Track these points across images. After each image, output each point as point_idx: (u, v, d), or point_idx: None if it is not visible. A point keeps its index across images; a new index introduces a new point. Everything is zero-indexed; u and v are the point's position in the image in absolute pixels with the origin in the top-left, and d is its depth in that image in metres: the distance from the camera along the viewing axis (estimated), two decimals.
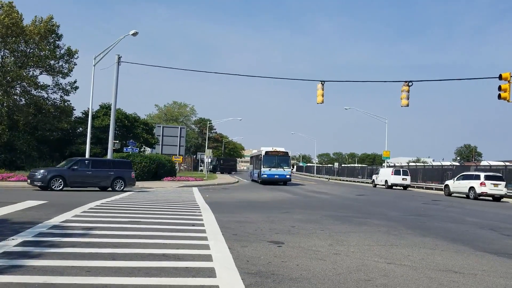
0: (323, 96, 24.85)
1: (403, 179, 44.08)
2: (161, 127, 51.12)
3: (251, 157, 53.12)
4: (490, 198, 31.38)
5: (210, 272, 6.78)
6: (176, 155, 47.29)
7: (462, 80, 34.73)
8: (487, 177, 30.99)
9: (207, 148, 60.40)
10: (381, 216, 14.95)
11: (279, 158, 40.77)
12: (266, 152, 40.58)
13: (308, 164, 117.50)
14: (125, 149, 36.25)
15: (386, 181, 45.25)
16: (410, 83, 22.55)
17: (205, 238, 9.73)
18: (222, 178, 51.86)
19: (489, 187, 30.44)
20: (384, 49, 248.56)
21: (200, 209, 15.63)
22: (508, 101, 17.40)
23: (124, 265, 7.00)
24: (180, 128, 52.26)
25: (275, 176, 40.29)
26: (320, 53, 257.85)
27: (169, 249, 8.40)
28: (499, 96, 17.71)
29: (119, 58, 31.26)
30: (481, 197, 31.08)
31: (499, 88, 17.75)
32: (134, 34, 29.64)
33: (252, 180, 47.83)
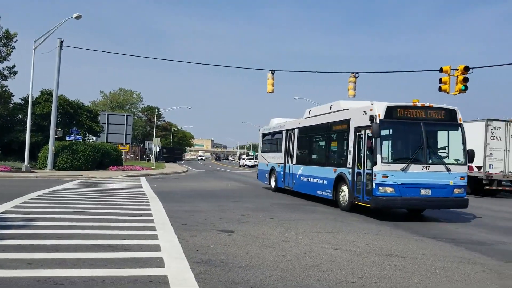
0: (273, 86, 24.95)
1: None
2: (106, 115, 49.34)
3: (272, 134, 22.49)
4: None
5: (158, 262, 6.68)
6: (122, 143, 45.88)
7: (406, 72, 35.88)
8: None
9: (155, 137, 59.23)
10: (330, 204, 15.38)
11: (431, 131, 12.67)
12: (391, 110, 12.27)
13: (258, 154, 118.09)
14: (67, 137, 34.81)
15: None
16: (357, 75, 23.14)
17: (153, 228, 9.57)
18: (171, 167, 51.08)
19: None
20: (335, 39, 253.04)
21: (148, 199, 15.35)
22: (448, 93, 18.27)
23: (68, 256, 6.76)
24: (127, 116, 50.68)
25: (425, 194, 12.18)
26: (273, 42, 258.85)
27: (115, 239, 8.19)
28: (440, 89, 18.55)
29: (61, 42, 29.84)
30: None
31: (440, 81, 18.59)
32: (78, 17, 28.33)
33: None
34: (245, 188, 23.93)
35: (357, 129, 13.41)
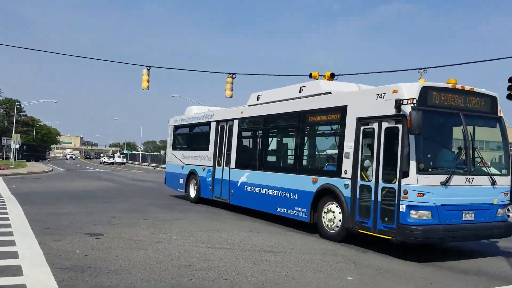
0: (148, 82, 24.28)
1: None
2: None
3: (193, 126, 17.08)
4: None
5: (16, 271, 6.04)
6: None
7: (281, 76, 37.70)
8: None
9: (15, 133, 53.64)
10: (206, 202, 15.26)
11: (472, 126, 8.94)
12: (426, 92, 8.35)
13: (133, 152, 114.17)
14: None
15: None
16: (234, 75, 23.61)
17: (11, 234, 8.64)
18: (34, 166, 46.70)
19: None
20: (213, 39, 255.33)
21: (4, 201, 13.80)
22: None
23: None
24: None
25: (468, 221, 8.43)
26: (150, 38, 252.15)
27: None
28: None
29: None
30: None
31: None
32: None
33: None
34: (118, 188, 22.89)
35: (363, 121, 8.98)
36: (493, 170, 8.88)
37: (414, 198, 7.83)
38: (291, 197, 10.86)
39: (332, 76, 19.28)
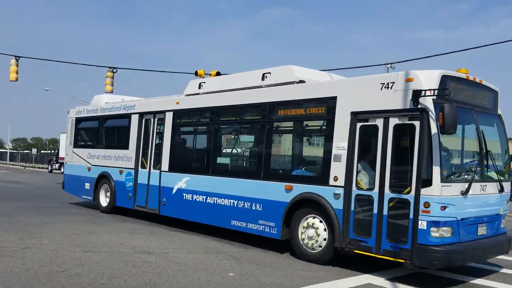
0: (17, 74, 22.15)
1: None
2: None
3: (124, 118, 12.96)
4: None
5: None
6: None
7: (166, 72, 36.98)
8: None
9: None
10: (123, 212, 13.03)
11: (483, 124, 7.57)
12: (445, 82, 6.78)
13: (0, 150, 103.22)
14: None
15: None
16: (114, 70, 22.60)
17: None
18: None
19: None
20: (94, 32, 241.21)
21: None
22: None
23: None
24: None
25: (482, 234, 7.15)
26: (20, 27, 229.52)
27: None
28: None
29: None
30: None
31: None
32: None
33: None
34: None
35: (360, 116, 7.33)
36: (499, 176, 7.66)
37: (437, 212, 6.37)
38: (254, 208, 8.78)
39: (218, 75, 19.52)
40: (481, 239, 7.05)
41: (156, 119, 11.69)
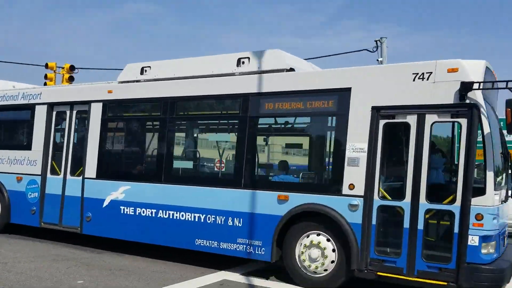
0: None
1: None
2: None
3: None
4: None
5: None
6: None
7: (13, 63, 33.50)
8: None
9: None
10: (20, 230, 10.05)
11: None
12: (488, 71, 6.15)
13: None
14: None
15: None
16: None
17: None
18: None
19: None
20: None
21: None
22: None
23: None
24: None
25: None
26: None
27: None
28: (45, 84, 18.18)
29: None
30: None
31: (45, 77, 18.22)
32: None
33: None
34: None
35: (385, 111, 6.13)
36: None
37: (491, 225, 5.55)
38: (230, 224, 7.10)
39: (72, 69, 18.23)
40: (503, 251, 6.27)
41: (74, 112, 9.16)
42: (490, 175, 5.51)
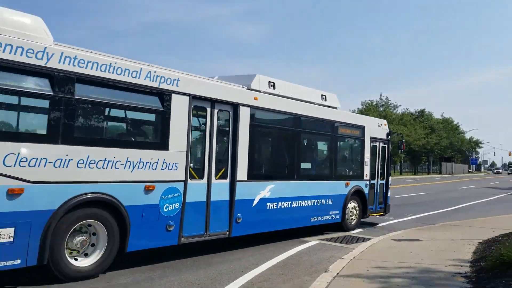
0: None
1: None
2: None
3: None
4: None
5: None
6: None
7: None
8: None
9: None
10: None
11: None
12: None
13: None
14: None
15: None
16: None
17: None
18: None
19: None
20: None
21: None
22: None
23: None
24: None
25: None
26: None
27: None
28: None
29: None
30: None
31: None
32: None
33: None
34: None
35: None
36: None
37: None
38: (327, 203, 11.13)
39: None
40: None
41: (216, 110, 8.27)
42: None
